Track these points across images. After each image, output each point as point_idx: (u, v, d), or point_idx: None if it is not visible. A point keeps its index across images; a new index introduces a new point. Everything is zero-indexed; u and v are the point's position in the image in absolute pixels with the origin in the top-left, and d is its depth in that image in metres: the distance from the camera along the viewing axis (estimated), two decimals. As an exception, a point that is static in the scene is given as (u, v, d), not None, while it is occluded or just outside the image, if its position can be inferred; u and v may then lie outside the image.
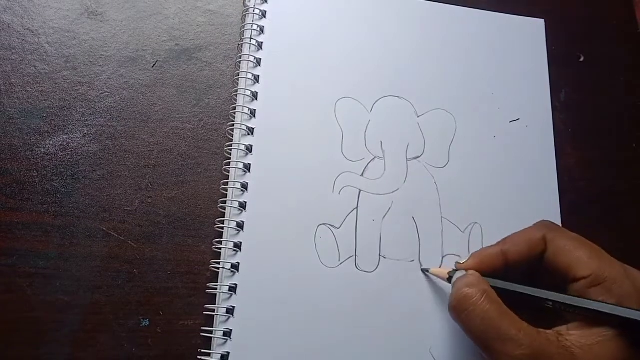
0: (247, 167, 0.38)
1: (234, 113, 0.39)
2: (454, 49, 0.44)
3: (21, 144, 0.37)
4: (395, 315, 0.36)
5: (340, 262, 0.37)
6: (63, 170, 0.37)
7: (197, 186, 0.38)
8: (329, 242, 0.37)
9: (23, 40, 0.40)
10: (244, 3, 0.43)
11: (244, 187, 0.37)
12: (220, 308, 0.34)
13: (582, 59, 0.47)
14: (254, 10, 0.42)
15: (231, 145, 0.38)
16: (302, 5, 0.43)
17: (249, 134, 0.39)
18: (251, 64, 0.40)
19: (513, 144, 0.42)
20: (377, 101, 0.41)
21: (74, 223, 0.36)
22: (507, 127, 0.43)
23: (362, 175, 0.39)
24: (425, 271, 0.37)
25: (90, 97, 0.39)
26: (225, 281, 0.35)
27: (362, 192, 0.39)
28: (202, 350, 0.34)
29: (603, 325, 0.28)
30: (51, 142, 0.38)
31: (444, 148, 0.41)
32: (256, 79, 0.40)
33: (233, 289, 0.35)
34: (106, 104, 0.39)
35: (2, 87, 0.38)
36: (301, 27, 0.42)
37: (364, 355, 0.35)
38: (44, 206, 0.36)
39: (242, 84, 0.40)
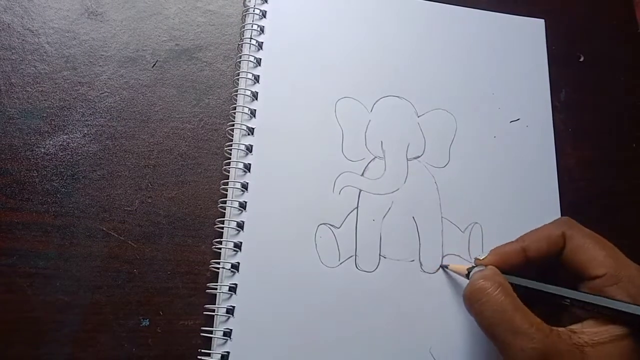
0: (247, 167, 0.38)
1: (234, 113, 0.39)
2: (454, 49, 0.44)
3: (21, 144, 0.37)
4: (395, 315, 0.36)
5: (341, 262, 0.37)
6: (63, 170, 0.37)
7: (197, 186, 0.38)
8: (329, 242, 0.37)
9: (23, 40, 0.40)
10: (244, 3, 0.43)
11: (244, 187, 0.37)
12: (220, 308, 0.34)
13: (582, 59, 0.47)
14: (254, 10, 0.42)
15: (231, 145, 0.38)
16: (302, 5, 0.43)
17: (249, 134, 0.39)
18: (251, 64, 0.40)
19: (513, 144, 0.42)
20: (377, 101, 0.41)
21: (74, 223, 0.36)
22: (507, 127, 0.43)
23: (362, 175, 0.39)
24: (444, 267, 0.37)
25: (90, 97, 0.39)
26: (225, 281, 0.35)
27: (362, 192, 0.39)
28: (202, 350, 0.34)
29: (616, 323, 0.28)
30: (51, 142, 0.38)
31: (444, 148, 0.41)
32: (256, 79, 0.40)
33: (233, 289, 0.35)
34: (106, 104, 0.39)
35: (2, 87, 0.38)
36: (301, 27, 0.42)
37: (364, 355, 0.35)
38: (44, 206, 0.36)
39: (242, 84, 0.40)
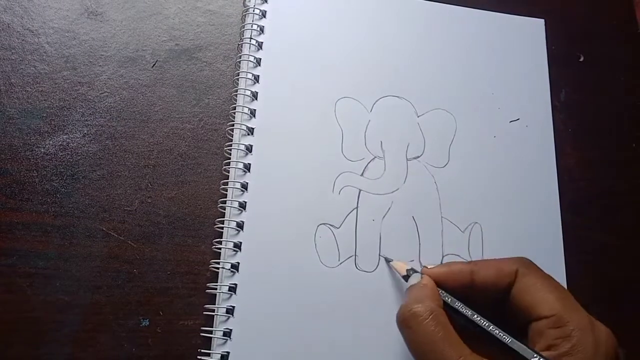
0: (247, 167, 0.38)
1: (234, 113, 0.39)
2: (454, 48, 0.44)
3: (21, 144, 0.37)
4: (394, 315, 0.36)
5: (340, 262, 0.37)
6: (63, 170, 0.37)
7: (197, 186, 0.38)
8: (329, 241, 0.37)
9: (23, 40, 0.40)
10: (244, 3, 0.43)
11: (244, 187, 0.37)
12: (220, 308, 0.34)
13: (582, 59, 0.47)
14: (254, 10, 0.42)
15: (231, 145, 0.38)
16: (302, 5, 0.43)
17: (249, 134, 0.39)
18: (251, 64, 0.40)
19: (513, 144, 0.42)
20: (377, 101, 0.41)
21: (74, 223, 0.36)
22: (507, 127, 0.43)
23: (362, 175, 0.39)
24: (387, 260, 0.37)
25: (90, 97, 0.39)
26: (225, 281, 0.35)
27: (362, 192, 0.39)
28: (202, 350, 0.34)
29: None
30: (51, 142, 0.38)
31: (444, 148, 0.41)
32: (256, 79, 0.40)
33: (233, 289, 0.35)
34: (106, 104, 0.39)
35: (2, 87, 0.38)
36: (301, 27, 0.42)
37: (364, 355, 0.35)
38: (44, 206, 0.36)
39: (242, 84, 0.40)
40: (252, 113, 0.39)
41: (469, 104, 0.42)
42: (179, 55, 0.41)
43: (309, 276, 0.36)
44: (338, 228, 0.37)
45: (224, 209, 0.37)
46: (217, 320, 0.34)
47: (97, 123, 0.38)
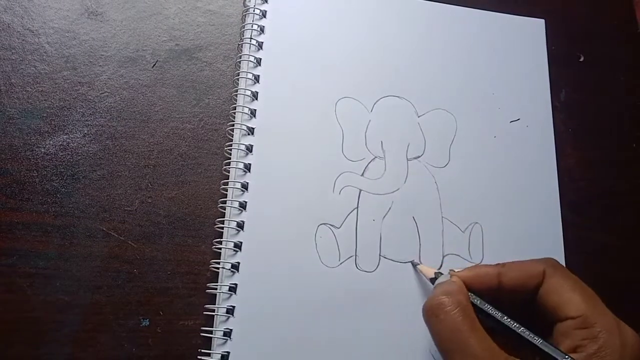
0: (247, 167, 0.38)
1: (234, 113, 0.39)
2: (455, 48, 0.44)
3: (21, 144, 0.37)
4: (395, 315, 0.36)
5: (341, 262, 0.37)
6: (63, 170, 0.37)
7: (197, 186, 0.38)
8: (329, 241, 0.37)
9: (23, 40, 0.40)
10: (244, 3, 0.43)
11: (244, 187, 0.37)
12: (220, 308, 0.34)
13: (582, 59, 0.47)
14: (254, 10, 0.42)
15: (231, 145, 0.38)
16: (302, 5, 0.43)
17: (249, 134, 0.38)
18: (251, 64, 0.40)
19: (513, 144, 0.42)
20: (377, 101, 0.41)
21: (74, 223, 0.36)
22: (507, 127, 0.43)
23: (362, 175, 0.39)
24: (414, 265, 0.37)
25: (90, 97, 0.39)
26: (225, 281, 0.35)
27: (362, 192, 0.39)
28: (202, 350, 0.34)
29: None
30: (51, 142, 0.38)
31: (444, 148, 0.41)
32: (256, 78, 0.40)
33: (233, 288, 0.35)
34: (106, 104, 0.39)
35: (2, 87, 0.38)
36: (301, 27, 0.42)
37: (364, 355, 0.35)
38: (44, 206, 0.36)
39: (242, 83, 0.40)
40: (253, 113, 0.39)
41: (469, 104, 0.42)
42: (179, 55, 0.41)
43: (309, 276, 0.36)
44: (338, 228, 0.37)
45: (224, 209, 0.37)
46: (217, 320, 0.34)
47: (97, 123, 0.38)
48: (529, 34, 0.46)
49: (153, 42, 0.41)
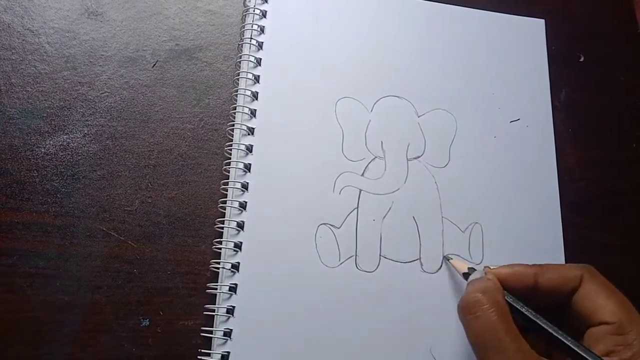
0: (247, 167, 0.38)
1: (234, 113, 0.39)
2: (455, 49, 0.44)
3: (21, 144, 0.37)
4: (395, 315, 0.36)
5: (341, 262, 0.37)
6: (63, 170, 0.37)
7: (197, 186, 0.38)
8: (330, 242, 0.37)
9: (23, 40, 0.40)
10: (244, 3, 0.43)
11: (244, 187, 0.37)
12: (220, 308, 0.34)
13: (582, 59, 0.47)
14: (254, 10, 0.42)
15: (231, 145, 0.38)
16: (302, 5, 0.43)
17: (249, 134, 0.38)
18: (251, 64, 0.40)
19: (513, 144, 0.42)
20: (377, 101, 0.41)
21: (74, 223, 0.36)
22: (507, 127, 0.43)
23: (362, 175, 0.39)
24: (447, 259, 0.37)
25: (90, 97, 0.39)
26: (225, 281, 0.35)
27: (362, 192, 0.39)
28: (202, 350, 0.34)
29: None
30: (51, 142, 0.38)
31: (444, 148, 0.41)
32: (256, 79, 0.40)
33: (233, 289, 0.35)
34: (106, 104, 0.39)
35: (2, 87, 0.38)
36: (301, 27, 0.42)
37: (364, 355, 0.35)
38: (44, 206, 0.36)
39: (242, 84, 0.40)
40: (253, 113, 0.39)
41: (469, 104, 0.42)
42: (179, 55, 0.41)
43: (309, 276, 0.36)
44: (338, 228, 0.37)
45: (224, 209, 0.37)
46: (217, 320, 0.34)
47: (97, 123, 0.38)
48: (528, 34, 0.46)
49: (153, 42, 0.41)
